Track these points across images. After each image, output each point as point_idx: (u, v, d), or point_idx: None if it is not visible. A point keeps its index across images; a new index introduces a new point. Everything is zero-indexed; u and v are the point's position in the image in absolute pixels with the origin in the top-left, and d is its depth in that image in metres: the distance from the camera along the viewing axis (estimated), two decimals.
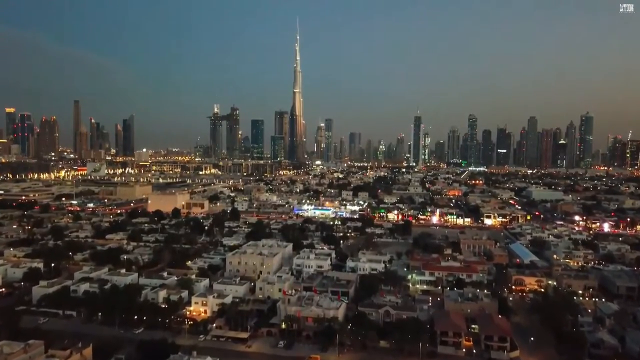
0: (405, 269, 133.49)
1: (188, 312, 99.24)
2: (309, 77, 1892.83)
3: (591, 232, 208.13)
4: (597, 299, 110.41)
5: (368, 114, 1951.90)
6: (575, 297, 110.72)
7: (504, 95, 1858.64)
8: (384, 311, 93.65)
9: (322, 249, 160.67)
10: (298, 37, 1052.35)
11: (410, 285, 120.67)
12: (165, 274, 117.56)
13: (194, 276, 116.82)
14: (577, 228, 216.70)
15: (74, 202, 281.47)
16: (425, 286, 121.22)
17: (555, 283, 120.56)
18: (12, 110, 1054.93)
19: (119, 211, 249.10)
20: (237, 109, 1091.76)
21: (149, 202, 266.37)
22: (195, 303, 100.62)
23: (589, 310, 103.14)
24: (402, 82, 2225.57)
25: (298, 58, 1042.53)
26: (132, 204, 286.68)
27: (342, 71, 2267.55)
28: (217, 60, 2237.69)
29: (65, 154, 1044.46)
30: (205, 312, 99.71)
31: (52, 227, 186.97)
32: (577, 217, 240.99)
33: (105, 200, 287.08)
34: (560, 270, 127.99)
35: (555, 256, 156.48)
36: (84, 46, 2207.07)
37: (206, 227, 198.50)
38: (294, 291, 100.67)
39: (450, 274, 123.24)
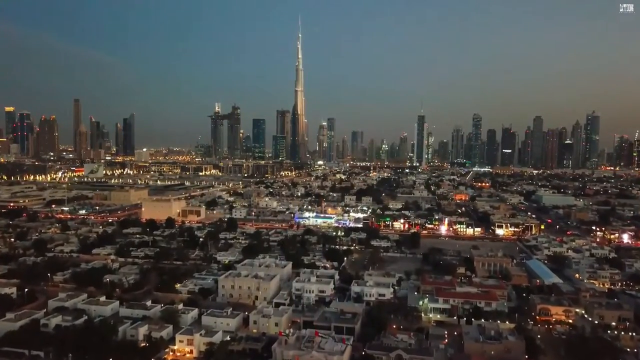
0: (415, 293, 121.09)
1: (171, 353, 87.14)
2: (311, 76, 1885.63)
3: (611, 244, 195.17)
4: (634, 334, 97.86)
5: (371, 113, 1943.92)
6: (609, 331, 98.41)
7: (509, 95, 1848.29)
8: (396, 355, 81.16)
9: (325, 266, 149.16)
10: (300, 35, 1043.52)
11: (422, 315, 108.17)
12: (149, 302, 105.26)
13: (180, 305, 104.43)
14: (595, 240, 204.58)
15: (65, 208, 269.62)
16: (439, 316, 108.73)
17: (584, 312, 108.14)
18: (11, 109, 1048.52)
19: (110, 220, 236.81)
20: (239, 107, 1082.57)
21: (143, 209, 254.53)
22: (180, 341, 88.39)
23: (628, 350, 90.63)
24: (405, 80, 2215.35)
25: (300, 56, 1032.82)
26: (126, 210, 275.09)
27: (345, 69, 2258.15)
28: (218, 59, 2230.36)
29: (65, 153, 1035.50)
30: (192, 351, 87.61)
31: (35, 240, 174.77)
32: (593, 227, 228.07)
33: (97, 207, 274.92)
34: (588, 296, 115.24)
35: (577, 275, 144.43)
36: (84, 44, 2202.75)
37: (201, 239, 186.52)
38: (291, 330, 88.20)
39: (466, 301, 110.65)
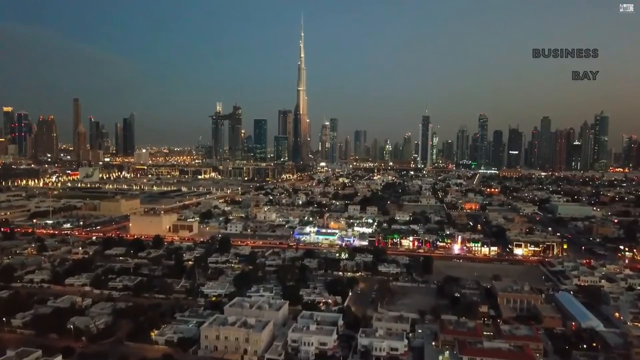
0: (433, 343, 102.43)
1: None
2: (313, 75, 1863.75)
3: None
4: None
5: (374, 112, 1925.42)
6: None
7: (516, 95, 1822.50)
8: None
9: (327, 302, 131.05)
10: (302, 34, 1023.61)
11: None
12: None
13: None
14: (625, 262, 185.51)
15: (49, 222, 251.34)
16: None
17: None
18: (9, 109, 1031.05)
19: (94, 237, 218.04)
20: (240, 107, 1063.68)
21: (131, 224, 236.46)
22: None
23: None
24: (409, 79, 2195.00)
25: (302, 55, 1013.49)
26: (114, 224, 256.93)
27: (348, 68, 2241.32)
28: (219, 58, 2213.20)
29: (63, 154, 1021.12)
30: None
31: (4, 266, 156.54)
32: (620, 246, 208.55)
33: (82, 222, 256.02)
34: None
35: (616, 314, 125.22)
36: (84, 42, 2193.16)
37: (190, 262, 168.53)
38: None
39: None
